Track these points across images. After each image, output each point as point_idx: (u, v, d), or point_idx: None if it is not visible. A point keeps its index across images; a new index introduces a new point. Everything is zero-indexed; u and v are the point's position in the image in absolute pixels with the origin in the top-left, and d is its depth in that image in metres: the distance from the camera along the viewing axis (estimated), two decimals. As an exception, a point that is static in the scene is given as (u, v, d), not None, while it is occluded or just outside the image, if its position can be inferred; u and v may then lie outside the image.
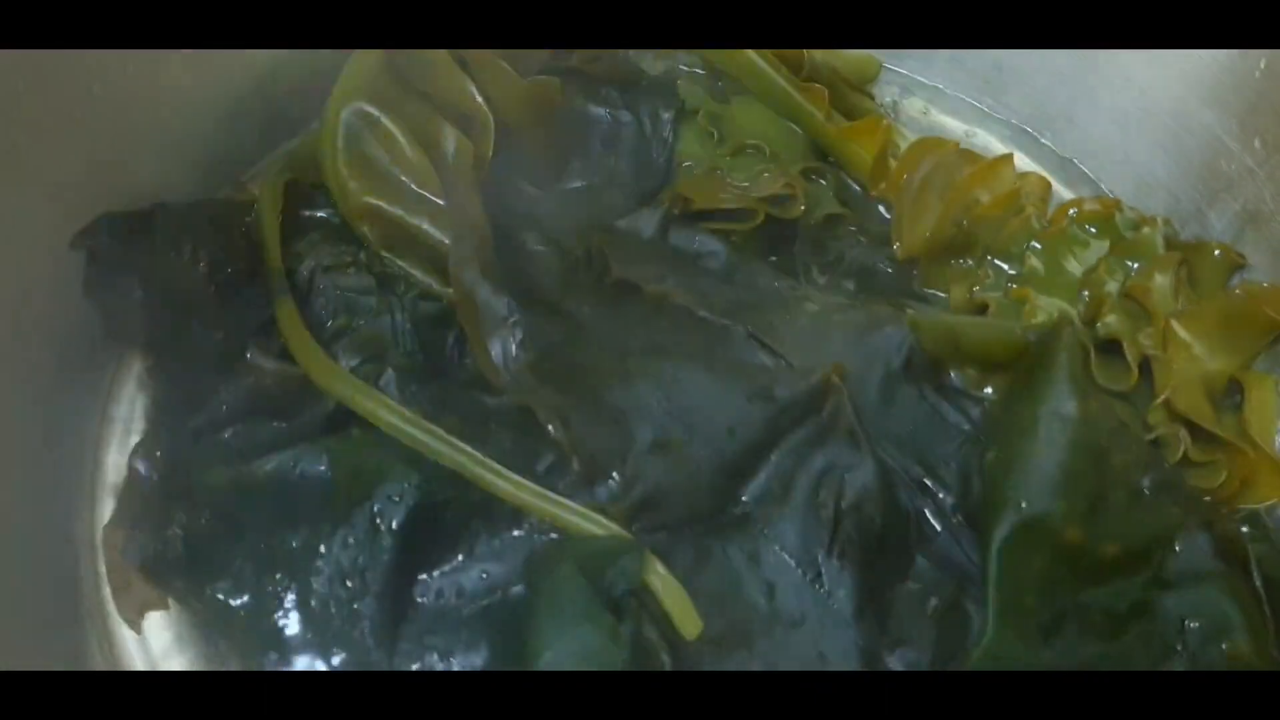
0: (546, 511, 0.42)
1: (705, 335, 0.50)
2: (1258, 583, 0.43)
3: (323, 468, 0.42)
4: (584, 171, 0.58)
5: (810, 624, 0.43)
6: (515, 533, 0.43)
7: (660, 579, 0.40)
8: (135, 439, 0.48)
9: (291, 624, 0.42)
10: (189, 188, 0.53)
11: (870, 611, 0.43)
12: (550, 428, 0.43)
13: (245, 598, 0.42)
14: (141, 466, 0.46)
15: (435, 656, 0.41)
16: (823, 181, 0.58)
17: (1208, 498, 0.48)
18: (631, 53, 0.63)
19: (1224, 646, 0.41)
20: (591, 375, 0.47)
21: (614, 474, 0.43)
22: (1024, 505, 0.43)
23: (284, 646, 0.42)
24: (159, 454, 0.46)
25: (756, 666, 0.41)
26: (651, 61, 0.64)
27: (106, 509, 0.47)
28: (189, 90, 0.53)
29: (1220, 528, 0.44)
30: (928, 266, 0.55)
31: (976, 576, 0.44)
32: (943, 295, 0.55)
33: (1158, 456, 0.48)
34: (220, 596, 0.42)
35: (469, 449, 0.42)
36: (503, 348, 0.47)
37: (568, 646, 0.38)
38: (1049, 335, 0.47)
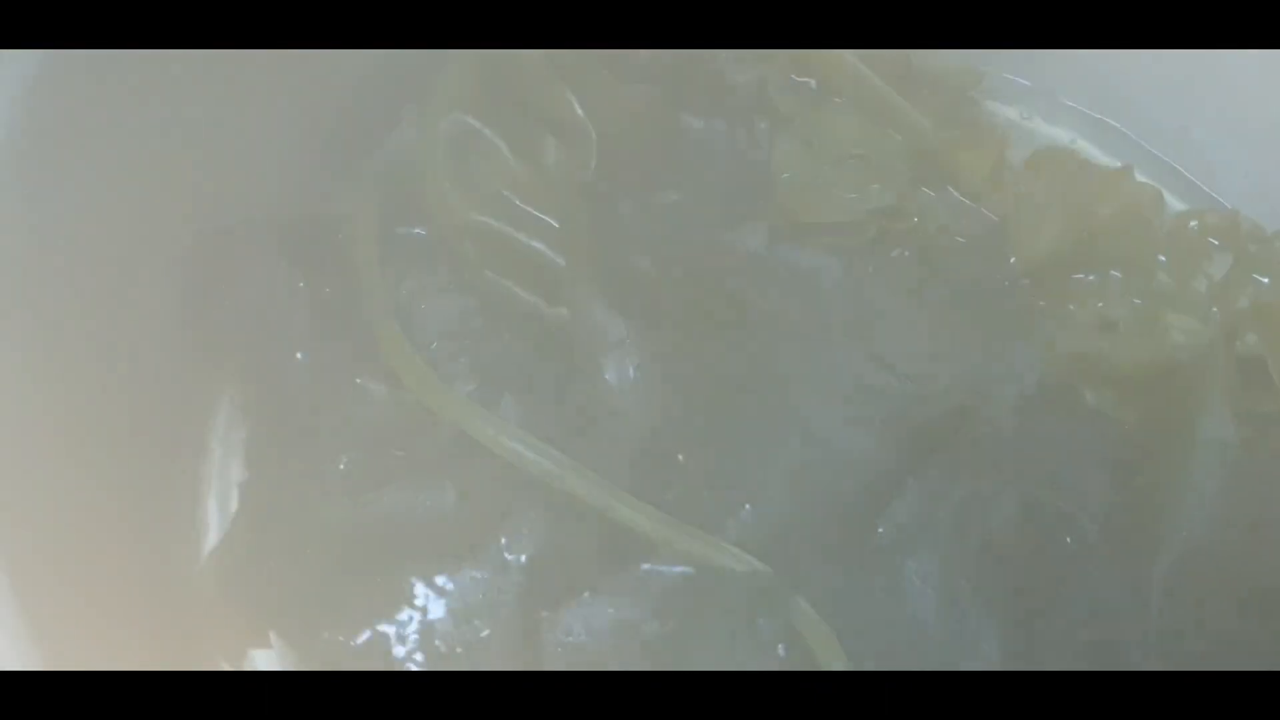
0: (681, 544, 0.40)
1: (826, 356, 0.47)
2: None
3: (447, 499, 0.40)
4: (682, 185, 0.56)
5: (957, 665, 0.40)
6: (645, 566, 0.41)
7: (806, 619, 0.38)
8: (235, 470, 0.46)
9: (414, 667, 0.39)
10: (278, 205, 0.51)
11: (1018, 652, 0.41)
12: (680, 456, 0.41)
13: (363, 637, 0.40)
14: (248, 500, 0.43)
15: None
16: (931, 193, 0.56)
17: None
18: (723, 60, 0.61)
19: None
20: (712, 400, 0.44)
21: (746, 504, 0.41)
22: (1183, 537, 0.41)
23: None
24: (266, 487, 0.44)
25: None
26: (743, 68, 0.61)
27: (207, 545, 0.45)
28: (274, 99, 0.51)
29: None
30: (1048, 281, 0.53)
31: (1129, 612, 0.42)
32: (1063, 311, 0.53)
33: (1311, 483, 0.45)
34: (339, 638, 0.40)
35: (598, 477, 0.40)
36: (619, 371, 0.45)
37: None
38: (1198, 356, 0.45)
